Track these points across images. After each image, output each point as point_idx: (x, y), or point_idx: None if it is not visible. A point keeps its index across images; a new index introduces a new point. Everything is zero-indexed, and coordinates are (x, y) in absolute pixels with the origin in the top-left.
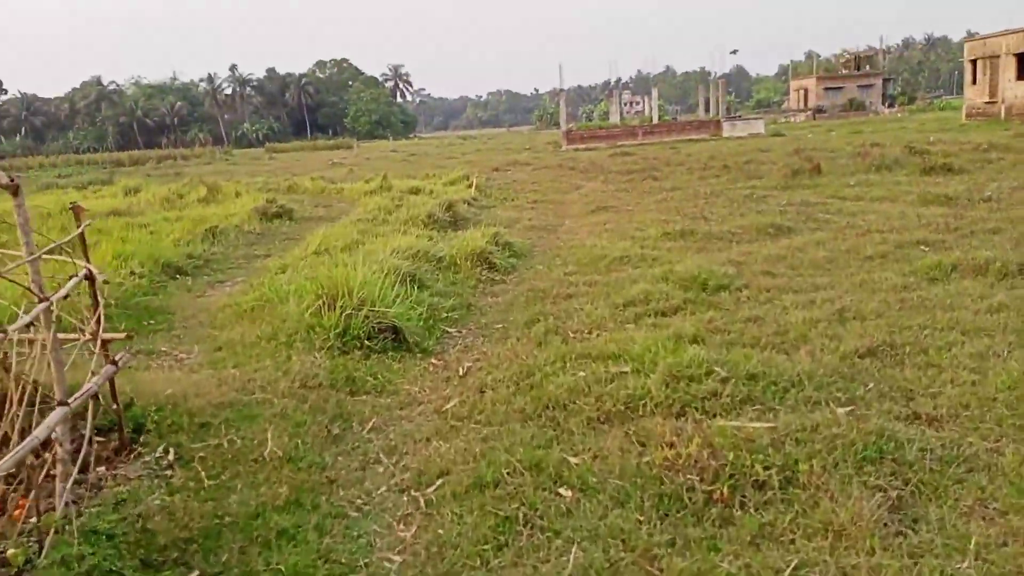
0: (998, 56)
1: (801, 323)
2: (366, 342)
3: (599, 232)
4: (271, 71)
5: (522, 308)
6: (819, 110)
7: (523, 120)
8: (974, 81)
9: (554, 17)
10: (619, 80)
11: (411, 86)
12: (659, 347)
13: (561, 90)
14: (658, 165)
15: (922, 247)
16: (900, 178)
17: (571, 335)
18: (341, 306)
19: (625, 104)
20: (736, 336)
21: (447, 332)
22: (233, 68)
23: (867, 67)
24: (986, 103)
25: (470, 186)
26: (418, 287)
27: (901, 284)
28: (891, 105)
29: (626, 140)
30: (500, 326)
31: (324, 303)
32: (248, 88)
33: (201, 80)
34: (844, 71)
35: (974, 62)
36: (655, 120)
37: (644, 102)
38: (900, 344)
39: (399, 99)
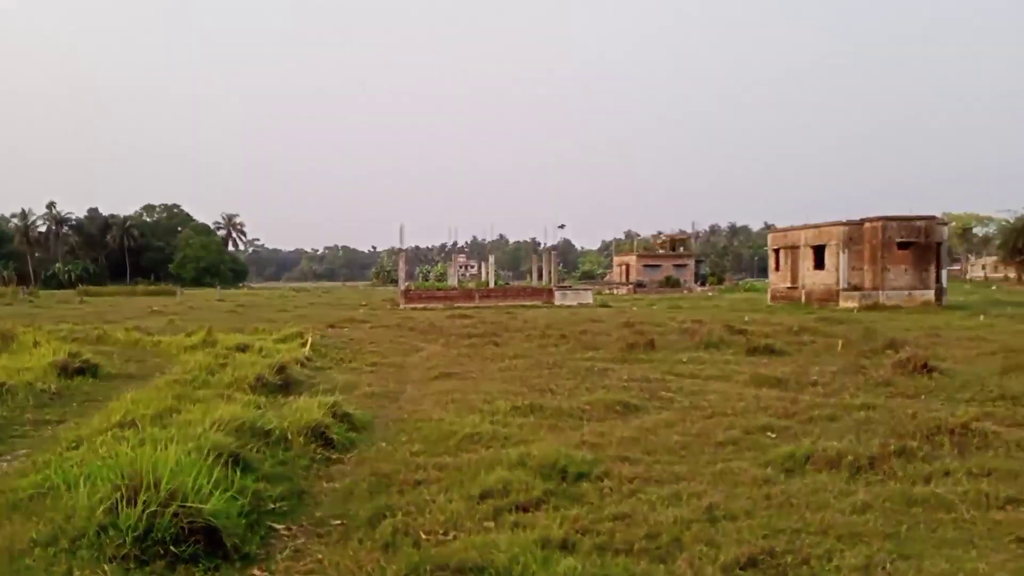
0: (798, 247)
1: (672, 523)
2: (172, 548)
3: (445, 403)
4: (93, 211)
5: (365, 498)
6: (639, 284)
7: (359, 275)
8: (777, 268)
9: (394, 180)
10: (455, 244)
11: (244, 235)
12: (527, 556)
13: (401, 249)
14: (498, 330)
15: (769, 433)
16: (728, 356)
17: (424, 537)
18: (144, 500)
19: (461, 267)
20: (607, 539)
21: (274, 530)
22: (51, 206)
23: (682, 248)
24: (788, 288)
25: (304, 344)
26: (242, 469)
27: (761, 476)
28: (703, 284)
29: (463, 302)
30: (339, 522)
31: (123, 495)
32: (65, 227)
33: (13, 216)
34: (661, 251)
35: (777, 251)
36: (491, 284)
37: (480, 267)
38: (780, 552)
39: (231, 248)
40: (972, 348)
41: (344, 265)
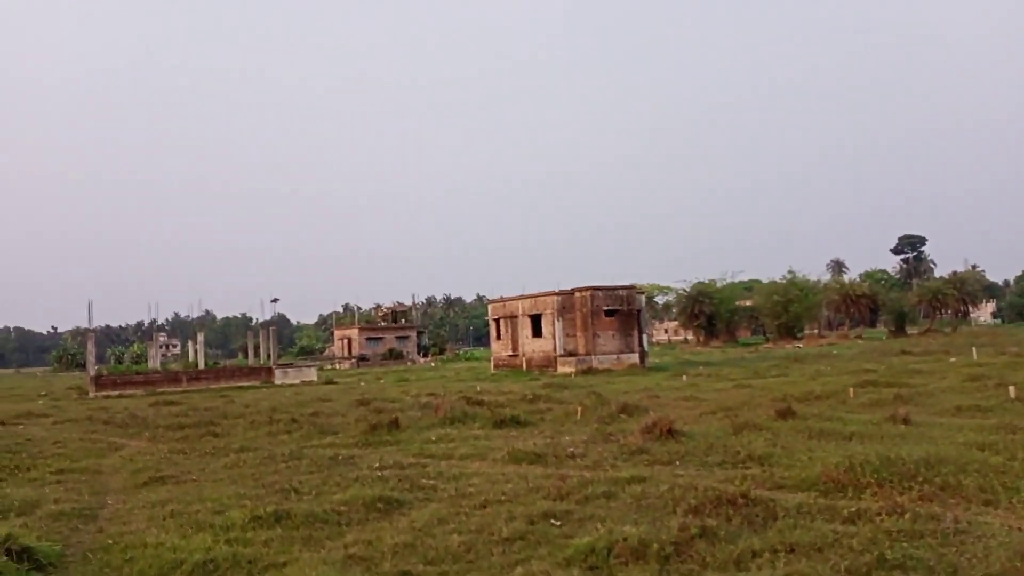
0: (516, 316)
1: None
2: None
3: (161, 518)
4: None
5: None
6: (363, 358)
7: (37, 360)
8: (499, 336)
9: (77, 250)
10: (155, 321)
11: None
12: None
13: (89, 329)
14: (214, 418)
15: (553, 521)
16: (476, 431)
17: None
18: None
19: (162, 347)
20: None
21: None
22: None
23: (403, 320)
24: (510, 355)
25: None
26: None
27: None
28: (425, 355)
29: (168, 386)
30: None
31: None
32: None
33: None
34: (383, 323)
35: (497, 320)
36: (201, 365)
37: (188, 346)
38: None
39: None
40: (691, 408)
41: (17, 349)
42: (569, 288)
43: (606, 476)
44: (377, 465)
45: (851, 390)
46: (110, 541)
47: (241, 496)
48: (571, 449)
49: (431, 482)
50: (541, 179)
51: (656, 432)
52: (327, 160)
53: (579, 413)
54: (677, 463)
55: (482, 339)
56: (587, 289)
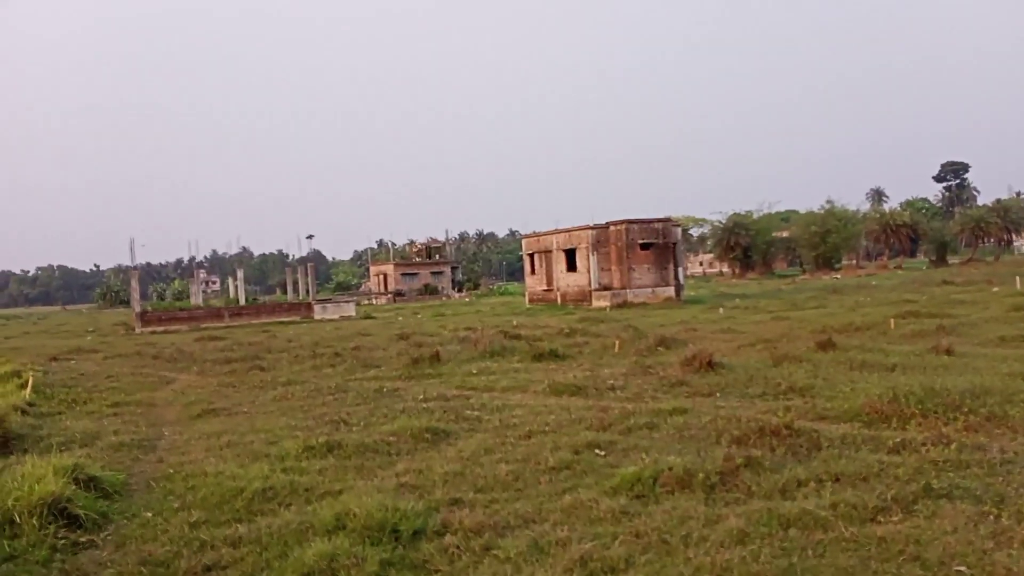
0: (551, 251)
1: None
2: None
3: (218, 449)
4: None
5: None
6: (399, 293)
7: (82, 298)
8: (533, 271)
9: (119, 190)
10: (193, 259)
11: None
12: None
13: (133, 267)
14: (259, 352)
15: (597, 451)
16: (515, 364)
17: None
18: None
19: (202, 284)
20: None
21: None
22: None
23: (437, 256)
24: (544, 290)
25: (23, 385)
26: None
27: (617, 508)
28: (460, 289)
29: (212, 322)
30: None
31: None
32: None
33: None
34: (417, 259)
35: (532, 255)
36: (242, 301)
37: (228, 282)
38: None
39: None
40: (729, 341)
41: (62, 287)
42: (604, 222)
43: (647, 408)
44: (421, 397)
45: (892, 321)
46: (171, 470)
47: (292, 428)
48: (611, 382)
49: (475, 413)
50: (574, 109)
51: (695, 364)
52: (360, 94)
53: (617, 346)
54: (717, 395)
55: (515, 274)
56: (622, 222)
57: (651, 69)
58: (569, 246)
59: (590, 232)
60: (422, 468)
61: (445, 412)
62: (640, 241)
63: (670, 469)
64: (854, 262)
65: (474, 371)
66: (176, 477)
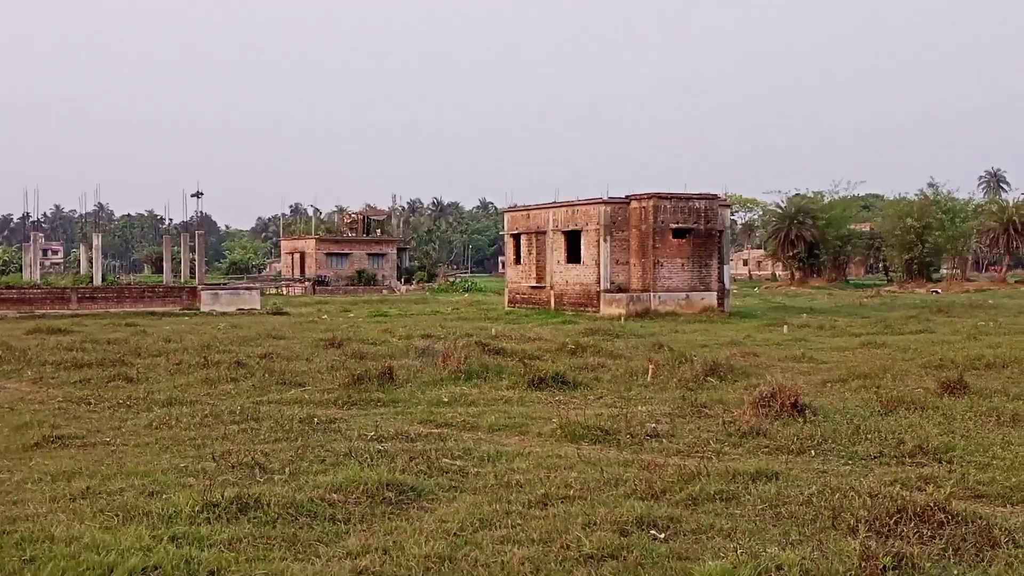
0: (544, 232)
1: None
2: None
3: (69, 499)
4: None
5: None
6: (321, 281)
7: None
8: (517, 259)
9: None
10: (28, 216)
11: None
12: None
13: None
14: (124, 355)
15: (653, 532)
16: (504, 392)
17: None
18: None
19: (40, 253)
20: None
21: None
22: None
23: (378, 231)
24: (532, 287)
25: None
26: None
27: None
28: (408, 281)
29: (52, 307)
30: None
31: None
32: None
33: None
34: (350, 233)
35: (516, 236)
36: (98, 281)
37: (79, 253)
38: None
39: None
40: (807, 373)
41: None
42: (623, 195)
43: (717, 468)
44: (373, 434)
45: None
46: None
47: (181, 471)
48: (651, 425)
49: (456, 463)
50: (568, 35)
51: (776, 407)
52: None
53: (650, 373)
54: (812, 453)
55: (485, 262)
56: (649, 196)
57: None
58: (572, 227)
59: (602, 209)
60: (387, 546)
61: (412, 459)
62: (673, 225)
63: (779, 568)
64: (957, 271)
65: (445, 399)
66: (4, 543)
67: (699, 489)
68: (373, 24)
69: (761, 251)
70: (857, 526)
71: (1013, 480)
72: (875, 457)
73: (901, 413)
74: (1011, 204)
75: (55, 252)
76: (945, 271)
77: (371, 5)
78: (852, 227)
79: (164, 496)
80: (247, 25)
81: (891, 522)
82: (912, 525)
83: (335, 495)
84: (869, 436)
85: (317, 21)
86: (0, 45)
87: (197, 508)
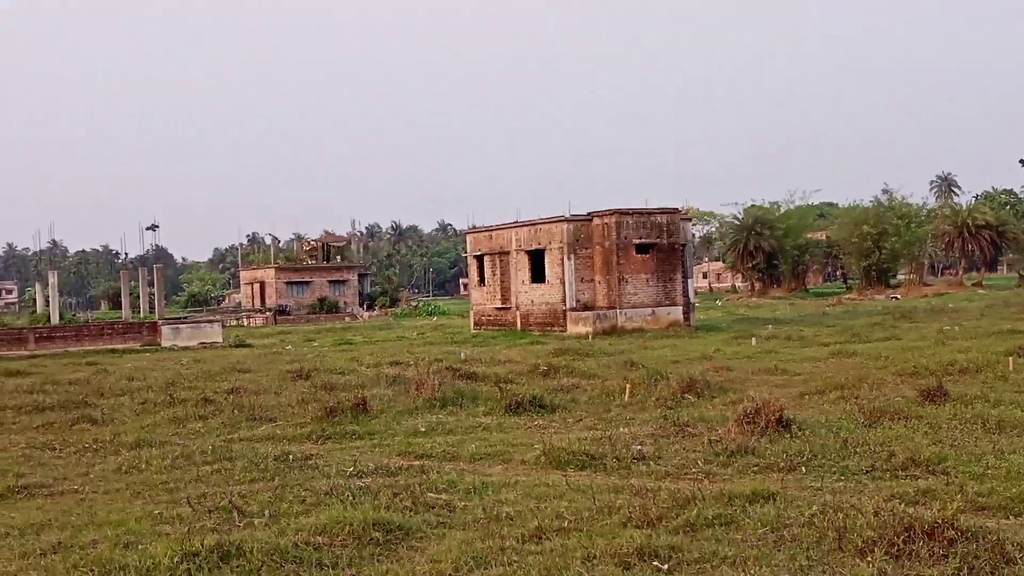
0: (508, 252)
1: None
2: None
3: (38, 556)
4: None
5: None
6: (282, 311)
7: None
8: (481, 280)
9: None
10: None
11: None
12: None
13: None
14: (87, 395)
15: (656, 564)
16: (482, 419)
17: None
18: None
19: None
20: None
21: None
22: None
23: (339, 257)
24: (498, 308)
25: None
26: None
27: None
28: (371, 307)
29: (9, 348)
30: None
31: None
32: None
33: None
34: (310, 261)
35: (480, 258)
36: (55, 319)
37: (36, 292)
38: None
39: None
40: (782, 386)
41: None
42: (586, 212)
43: (711, 491)
44: (352, 470)
45: (1010, 360)
46: None
47: (156, 519)
48: (636, 447)
49: (442, 497)
50: (521, 54)
51: (760, 423)
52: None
53: (627, 393)
54: (803, 469)
55: (447, 285)
56: (611, 213)
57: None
58: (535, 246)
59: (565, 227)
60: None
61: (396, 495)
62: (636, 241)
63: None
64: (915, 276)
65: (422, 428)
66: None
67: (696, 514)
68: (324, 51)
69: (720, 263)
70: (866, 548)
71: (1013, 491)
72: (867, 471)
73: (886, 424)
74: (964, 208)
75: (9, 292)
76: (903, 276)
77: (321, 29)
78: (809, 236)
79: (140, 547)
80: (198, 54)
81: (900, 542)
82: (922, 544)
83: (320, 538)
84: (858, 449)
85: (269, 50)
86: None
87: (176, 559)
